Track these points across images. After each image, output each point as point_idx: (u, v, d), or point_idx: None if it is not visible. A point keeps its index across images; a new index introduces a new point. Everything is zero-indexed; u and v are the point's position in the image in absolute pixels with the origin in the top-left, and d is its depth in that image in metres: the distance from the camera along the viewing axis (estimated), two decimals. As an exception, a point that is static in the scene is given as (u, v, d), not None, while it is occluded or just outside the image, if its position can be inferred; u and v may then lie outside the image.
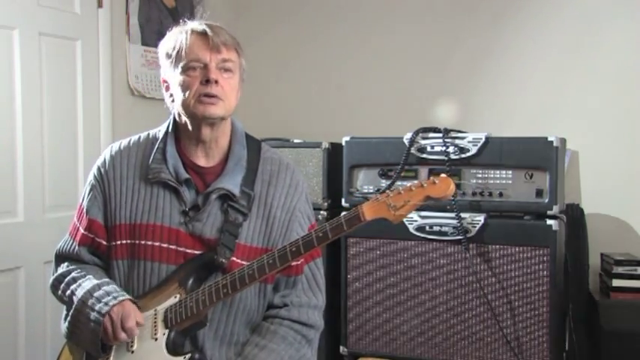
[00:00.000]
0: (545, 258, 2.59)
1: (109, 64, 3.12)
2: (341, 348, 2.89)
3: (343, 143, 2.92)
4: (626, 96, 3.20)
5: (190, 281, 1.67)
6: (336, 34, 3.75)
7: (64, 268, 1.79)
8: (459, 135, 2.75)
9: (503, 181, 2.69)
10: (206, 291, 1.63)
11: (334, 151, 3.00)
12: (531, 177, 2.65)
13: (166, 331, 1.66)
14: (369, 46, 3.68)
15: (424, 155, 2.76)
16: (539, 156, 2.62)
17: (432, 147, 2.75)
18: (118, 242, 1.73)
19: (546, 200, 2.62)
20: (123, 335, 1.63)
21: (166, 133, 1.77)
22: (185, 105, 1.67)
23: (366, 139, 2.91)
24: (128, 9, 3.23)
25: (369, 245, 2.82)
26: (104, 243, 1.76)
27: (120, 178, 1.75)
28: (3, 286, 2.71)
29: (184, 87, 1.66)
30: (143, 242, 1.70)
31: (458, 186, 2.72)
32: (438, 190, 1.50)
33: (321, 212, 2.94)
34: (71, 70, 2.97)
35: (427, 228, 2.73)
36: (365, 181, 2.89)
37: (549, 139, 2.61)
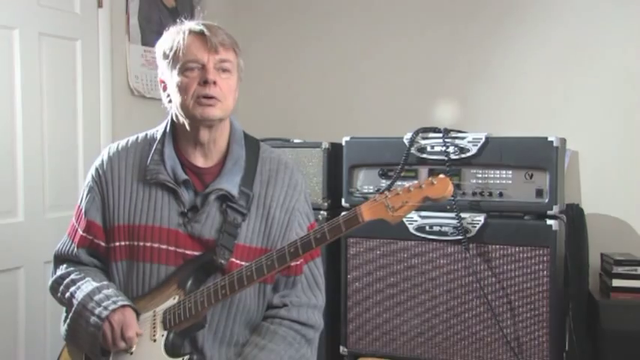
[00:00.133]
0: (545, 258, 2.59)
1: (109, 64, 3.12)
2: (341, 348, 2.89)
3: (343, 143, 2.91)
4: (626, 96, 3.20)
5: (189, 282, 1.67)
6: (336, 34, 3.75)
7: (62, 269, 1.79)
8: (459, 135, 2.74)
9: (503, 181, 2.69)
10: (205, 292, 1.63)
11: (334, 151, 3.00)
12: (531, 177, 2.65)
13: (165, 333, 1.66)
14: (369, 46, 3.68)
15: (424, 155, 2.76)
16: (539, 156, 2.62)
17: (432, 147, 2.75)
18: (117, 244, 1.73)
19: (546, 200, 2.62)
20: (122, 344, 1.64)
21: (164, 133, 1.76)
22: (183, 107, 1.67)
23: (366, 139, 2.91)
24: (128, 9, 3.23)
25: (369, 245, 2.82)
26: (103, 244, 1.76)
27: (118, 179, 1.75)
28: (3, 286, 2.70)
29: (182, 88, 1.65)
30: (142, 244, 1.70)
31: (458, 186, 2.72)
32: (436, 191, 1.50)
33: (321, 212, 2.93)
34: (71, 70, 2.97)
35: (427, 228, 2.73)
36: (365, 181, 2.89)
37: (549, 139, 2.61)
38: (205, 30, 1.66)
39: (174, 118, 1.75)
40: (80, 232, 1.77)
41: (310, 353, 1.78)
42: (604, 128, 3.23)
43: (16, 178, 2.74)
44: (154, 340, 1.66)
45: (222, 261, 1.65)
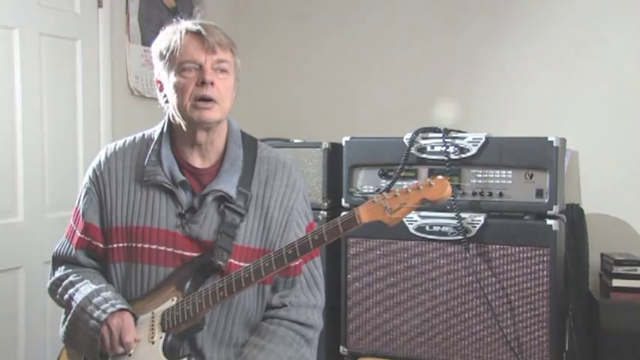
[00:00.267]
0: (545, 258, 2.59)
1: (109, 64, 3.12)
2: (341, 348, 2.89)
3: (343, 143, 2.91)
4: (626, 96, 3.20)
5: (188, 284, 1.66)
6: (337, 34, 3.75)
7: (61, 271, 1.78)
8: (459, 135, 2.74)
9: (503, 181, 2.69)
10: (202, 294, 1.62)
11: (334, 151, 2.99)
12: (531, 177, 2.65)
13: (163, 335, 1.65)
14: (370, 46, 3.68)
15: (424, 155, 2.76)
16: (539, 156, 2.62)
17: (432, 147, 2.75)
18: (115, 245, 1.72)
19: (546, 200, 2.62)
20: (120, 349, 1.64)
21: (161, 134, 1.75)
22: (180, 108, 1.65)
23: (366, 139, 2.91)
24: (128, 9, 3.23)
25: (369, 245, 2.82)
26: (101, 246, 1.75)
27: (115, 180, 1.74)
28: (3, 286, 2.71)
29: (179, 89, 1.64)
30: (140, 245, 1.69)
31: (457, 186, 2.72)
32: (434, 192, 1.49)
33: (321, 212, 2.93)
34: (71, 70, 2.97)
35: (427, 228, 2.73)
36: (365, 181, 2.89)
37: (549, 139, 2.61)
38: (202, 30, 1.64)
39: (171, 119, 1.74)
40: (78, 233, 1.76)
41: (310, 353, 1.77)
42: (604, 128, 3.23)
43: (16, 178, 2.74)
44: (152, 342, 1.65)
45: (221, 262, 1.65)
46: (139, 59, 3.29)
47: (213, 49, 1.63)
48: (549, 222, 2.59)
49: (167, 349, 1.64)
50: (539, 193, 2.64)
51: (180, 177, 1.70)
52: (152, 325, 1.67)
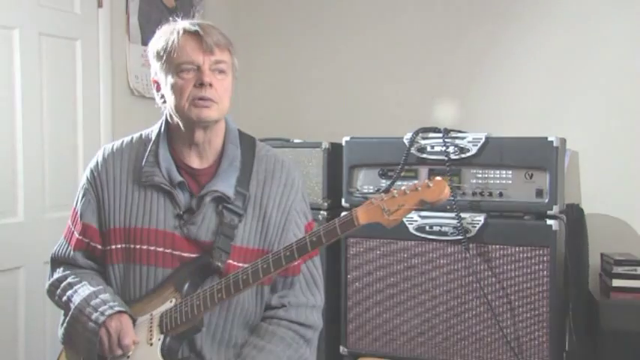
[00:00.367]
0: (545, 258, 2.59)
1: (109, 64, 3.12)
2: (341, 348, 2.89)
3: (343, 143, 2.91)
4: (626, 96, 3.20)
5: (186, 285, 1.66)
6: (337, 34, 3.75)
7: (59, 272, 1.78)
8: (459, 135, 2.74)
9: (503, 181, 2.69)
10: (201, 296, 1.61)
11: (334, 151, 2.99)
12: (531, 177, 2.65)
13: (162, 337, 1.65)
14: (370, 46, 3.68)
15: (424, 155, 2.76)
16: (539, 156, 2.62)
17: (432, 147, 2.75)
18: (113, 247, 1.72)
19: (546, 200, 2.62)
20: (119, 351, 1.63)
21: (158, 134, 1.74)
22: (178, 108, 1.65)
23: (366, 139, 2.91)
24: (128, 9, 3.23)
25: (369, 245, 2.82)
26: (99, 247, 1.74)
27: (113, 181, 1.73)
28: (3, 286, 2.71)
29: (177, 90, 1.63)
30: (138, 246, 1.69)
31: (458, 186, 2.72)
32: (432, 194, 1.48)
33: (321, 212, 2.93)
34: (71, 70, 2.97)
35: (427, 228, 2.73)
36: (365, 181, 2.89)
37: (549, 139, 2.61)
38: (200, 30, 1.63)
39: (169, 118, 1.73)
40: (76, 235, 1.76)
41: (309, 353, 1.77)
42: (604, 128, 3.23)
43: (16, 178, 2.74)
44: (151, 344, 1.65)
45: (219, 263, 1.64)
46: (139, 59, 3.29)
47: (211, 50, 1.62)
48: (549, 222, 2.59)
49: (165, 351, 1.64)
50: (539, 193, 2.64)
51: (177, 178, 1.69)
52: (150, 327, 1.67)
